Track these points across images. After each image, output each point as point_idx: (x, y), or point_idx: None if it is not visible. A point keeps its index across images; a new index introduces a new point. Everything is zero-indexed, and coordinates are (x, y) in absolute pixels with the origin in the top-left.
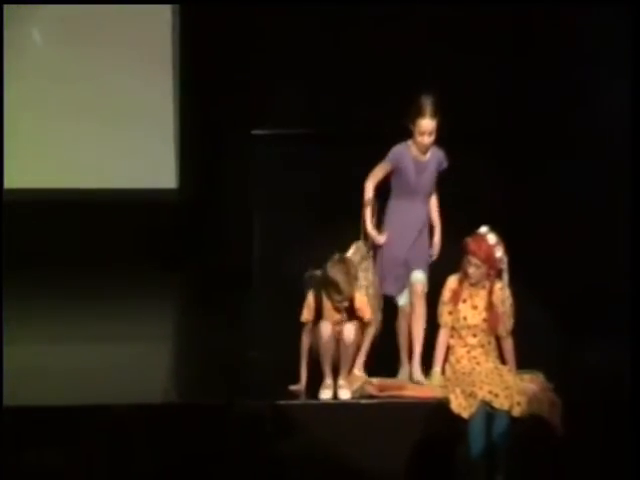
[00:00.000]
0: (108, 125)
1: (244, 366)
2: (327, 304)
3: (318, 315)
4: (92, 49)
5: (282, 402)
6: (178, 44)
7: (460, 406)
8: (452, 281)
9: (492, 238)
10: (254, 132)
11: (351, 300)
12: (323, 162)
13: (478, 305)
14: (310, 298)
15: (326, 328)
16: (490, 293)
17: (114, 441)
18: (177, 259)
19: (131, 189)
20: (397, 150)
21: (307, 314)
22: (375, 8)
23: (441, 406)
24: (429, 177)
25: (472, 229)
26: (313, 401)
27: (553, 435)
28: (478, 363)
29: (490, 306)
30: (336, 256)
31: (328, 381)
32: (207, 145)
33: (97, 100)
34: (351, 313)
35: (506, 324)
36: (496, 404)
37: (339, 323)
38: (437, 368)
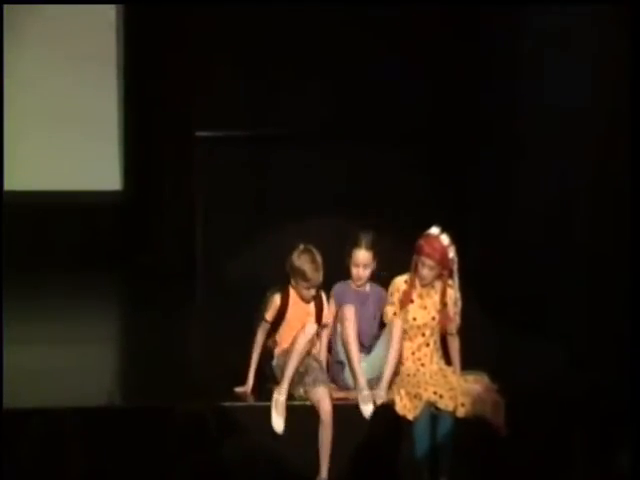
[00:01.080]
0: (51, 127)
1: (187, 368)
2: (293, 303)
3: (279, 318)
4: (33, 49)
5: (226, 404)
6: (122, 45)
7: (405, 408)
8: (400, 282)
9: (445, 239)
10: (197, 134)
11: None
12: (265, 163)
13: (427, 305)
14: (276, 298)
15: (311, 328)
16: (443, 293)
17: (53, 446)
18: (121, 260)
19: (74, 191)
20: (337, 287)
21: (270, 314)
22: (316, 7)
23: (386, 407)
24: (371, 310)
25: (415, 230)
26: (257, 403)
27: (496, 435)
28: (423, 364)
29: (442, 306)
30: (301, 246)
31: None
32: (151, 147)
33: (40, 102)
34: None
35: (456, 323)
36: (441, 405)
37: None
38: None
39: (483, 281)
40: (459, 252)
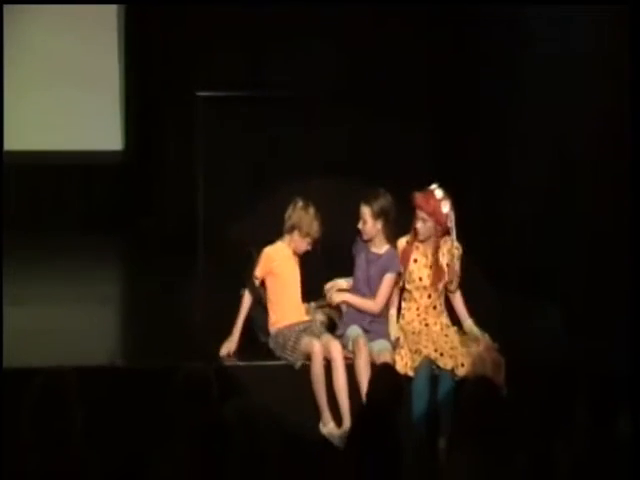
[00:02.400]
0: (52, 87)
1: (188, 328)
2: (285, 259)
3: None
4: (34, 9)
5: (228, 364)
6: (123, 5)
7: (406, 366)
8: (401, 242)
9: (439, 193)
10: (199, 94)
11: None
12: (267, 124)
13: (440, 257)
14: (268, 253)
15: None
16: (435, 249)
17: (54, 405)
18: (121, 220)
19: (76, 151)
20: (355, 242)
21: (260, 271)
22: None
23: (385, 367)
24: (374, 272)
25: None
26: (257, 362)
27: (497, 395)
28: (427, 325)
29: (435, 262)
30: (299, 201)
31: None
32: (152, 107)
33: (40, 61)
34: None
35: (453, 280)
36: (440, 363)
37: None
38: (393, 311)
39: (483, 245)
40: (459, 217)
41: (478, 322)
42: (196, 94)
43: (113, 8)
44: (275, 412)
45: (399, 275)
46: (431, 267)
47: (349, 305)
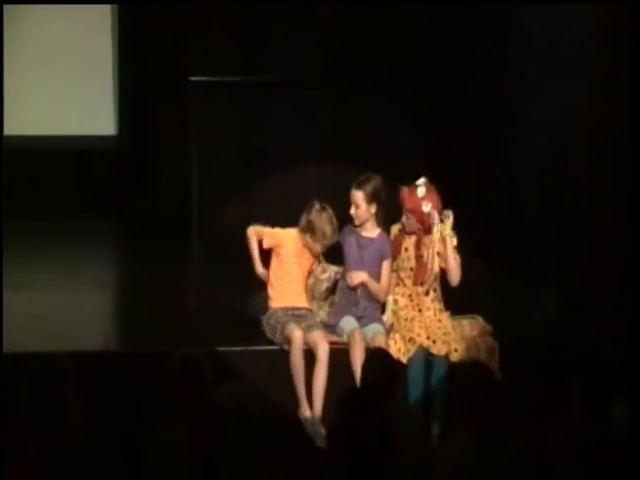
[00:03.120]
0: (46, 72)
1: (183, 314)
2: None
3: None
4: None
5: (222, 349)
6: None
7: (399, 351)
8: (394, 229)
9: (421, 191)
10: (192, 79)
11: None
12: (260, 109)
13: (424, 254)
14: (288, 232)
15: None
16: (417, 246)
17: (50, 390)
18: (116, 206)
19: (70, 136)
20: (344, 228)
21: (266, 242)
22: None
23: (380, 352)
24: (367, 257)
25: (407, 180)
26: (252, 347)
27: (490, 380)
28: (420, 310)
29: (417, 258)
30: (317, 205)
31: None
32: (145, 92)
33: (34, 47)
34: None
35: (454, 275)
36: (433, 350)
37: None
38: (391, 297)
39: (477, 227)
40: (452, 199)
41: (472, 306)
42: (189, 79)
43: None
44: (268, 397)
45: (393, 259)
46: (415, 263)
47: (366, 286)
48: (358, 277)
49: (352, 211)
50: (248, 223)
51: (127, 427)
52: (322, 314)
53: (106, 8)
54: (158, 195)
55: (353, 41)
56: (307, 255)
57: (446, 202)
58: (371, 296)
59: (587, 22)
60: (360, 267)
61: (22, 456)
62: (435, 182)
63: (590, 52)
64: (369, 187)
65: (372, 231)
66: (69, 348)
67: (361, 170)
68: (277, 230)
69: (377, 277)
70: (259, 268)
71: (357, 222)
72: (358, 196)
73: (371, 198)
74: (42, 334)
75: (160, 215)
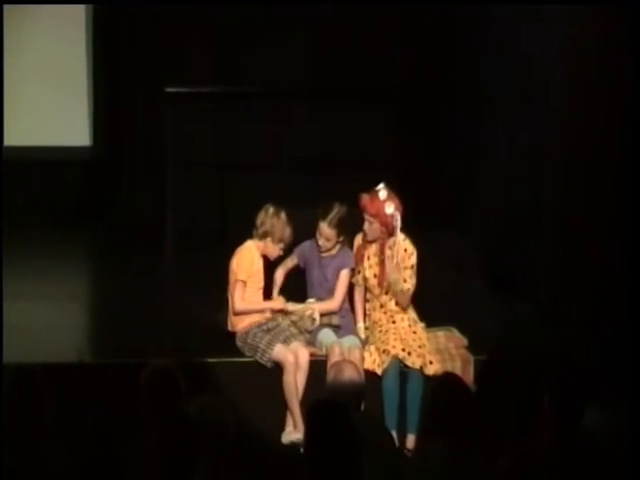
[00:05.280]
0: (21, 82)
1: (158, 325)
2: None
3: None
4: (4, 6)
5: (197, 360)
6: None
7: (374, 363)
8: (357, 239)
9: (383, 194)
10: (168, 90)
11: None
12: (235, 120)
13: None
14: (246, 257)
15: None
16: (381, 250)
17: (22, 402)
18: (90, 217)
19: (44, 147)
20: (305, 245)
21: (245, 274)
22: None
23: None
24: (329, 273)
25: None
26: (228, 359)
27: (466, 393)
28: (394, 322)
29: (380, 263)
30: (270, 208)
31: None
32: (120, 102)
33: (10, 57)
34: None
35: (397, 282)
36: (408, 362)
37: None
38: (360, 324)
39: (453, 238)
40: (432, 208)
41: (446, 317)
42: (165, 90)
43: (82, 5)
44: (242, 409)
45: (353, 271)
46: (378, 267)
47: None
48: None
49: (321, 243)
50: (223, 234)
51: (101, 439)
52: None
53: (81, 18)
54: (133, 206)
55: (330, 51)
56: (262, 261)
57: (423, 213)
58: (346, 309)
59: (579, 24)
60: (323, 284)
61: None
62: (413, 194)
63: (586, 55)
64: (336, 220)
65: (332, 250)
66: (42, 360)
67: (335, 181)
68: (243, 264)
69: (328, 288)
70: (278, 303)
71: (324, 251)
72: (330, 233)
73: (340, 231)
74: (15, 345)
75: (134, 226)
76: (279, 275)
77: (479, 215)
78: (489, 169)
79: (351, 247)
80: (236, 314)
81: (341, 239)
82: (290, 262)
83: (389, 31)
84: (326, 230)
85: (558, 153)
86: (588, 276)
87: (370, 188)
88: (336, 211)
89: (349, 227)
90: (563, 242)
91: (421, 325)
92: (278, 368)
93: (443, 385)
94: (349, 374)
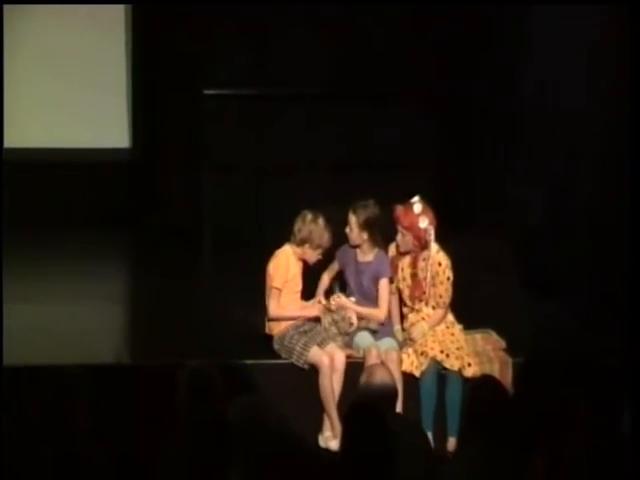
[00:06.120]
0: (60, 84)
1: (195, 326)
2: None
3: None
4: (44, 6)
5: (233, 362)
6: (131, 4)
7: (412, 365)
8: (392, 248)
9: (418, 207)
10: (205, 92)
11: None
12: (272, 121)
13: (419, 272)
14: (283, 264)
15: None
16: (413, 264)
17: (60, 403)
18: (128, 218)
19: (84, 149)
20: (341, 250)
21: (280, 282)
22: None
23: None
24: (366, 280)
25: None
26: (264, 361)
27: (504, 395)
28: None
29: (413, 276)
30: (308, 214)
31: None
32: (158, 105)
33: (50, 59)
34: None
35: (432, 297)
36: (446, 364)
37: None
38: (397, 326)
39: (491, 239)
40: (468, 210)
41: (485, 320)
42: (202, 92)
43: (121, 6)
44: (280, 411)
45: (391, 279)
46: (411, 280)
47: (352, 310)
48: (337, 302)
49: (347, 231)
50: (259, 235)
51: (138, 439)
52: (327, 319)
53: (120, 20)
54: (170, 207)
55: (364, 54)
56: (301, 265)
57: (459, 216)
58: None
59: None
60: (360, 289)
61: (30, 470)
62: (446, 197)
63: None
64: (362, 214)
65: (369, 254)
66: (81, 361)
67: (369, 184)
68: (279, 270)
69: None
70: (313, 311)
71: (351, 243)
72: (352, 220)
73: (363, 226)
74: (54, 346)
75: (172, 227)
76: (325, 280)
77: (516, 217)
78: (525, 170)
79: (385, 251)
80: (271, 320)
81: (365, 237)
82: (334, 267)
83: (420, 33)
84: (350, 217)
85: (594, 154)
86: (625, 278)
87: (406, 190)
88: (364, 204)
89: (376, 228)
90: (600, 244)
91: (459, 327)
92: (315, 370)
93: (481, 387)
94: (381, 378)
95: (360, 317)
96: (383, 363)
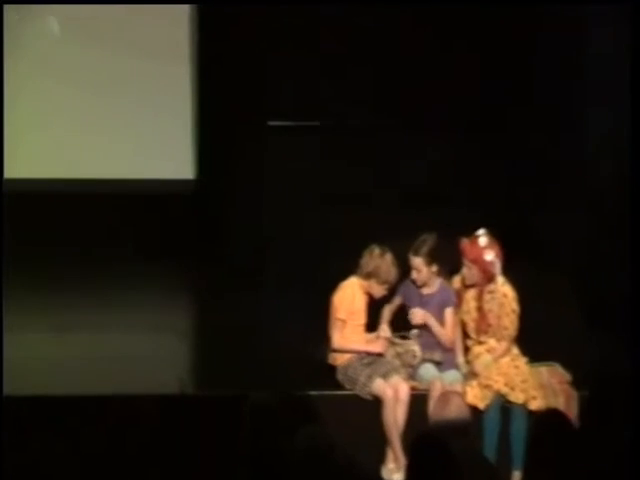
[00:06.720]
0: (125, 115)
1: (258, 357)
2: (359, 298)
3: None
4: (109, 37)
5: (298, 393)
6: (196, 33)
7: (476, 397)
8: (456, 281)
9: (483, 241)
10: (270, 123)
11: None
12: (336, 153)
13: (485, 305)
14: (349, 296)
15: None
16: (479, 297)
17: (127, 432)
18: (192, 250)
19: (147, 179)
20: (403, 284)
21: (344, 314)
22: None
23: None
24: (432, 311)
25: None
26: (329, 392)
27: (570, 428)
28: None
29: (478, 309)
30: (376, 249)
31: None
32: (224, 136)
33: (114, 89)
34: None
35: (498, 329)
36: (511, 397)
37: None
38: (461, 359)
39: (554, 274)
40: (534, 241)
41: (550, 353)
42: (267, 123)
43: (186, 36)
44: (343, 442)
45: (457, 308)
46: (477, 313)
47: (429, 325)
48: (418, 315)
49: (414, 275)
50: (324, 267)
51: (201, 470)
52: (390, 351)
53: (185, 49)
54: (233, 238)
55: (431, 87)
56: (366, 298)
57: (522, 249)
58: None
59: None
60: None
61: None
62: (509, 228)
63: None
64: (424, 250)
65: (432, 286)
66: (147, 391)
67: (434, 216)
68: (344, 302)
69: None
70: (376, 347)
71: (420, 283)
72: (416, 262)
73: (430, 260)
74: (118, 377)
75: (236, 258)
76: (385, 314)
77: (582, 250)
78: (591, 202)
79: (447, 281)
80: (335, 351)
81: (434, 269)
82: (396, 301)
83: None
84: (413, 260)
85: None
86: None
87: (472, 220)
88: (421, 240)
89: (442, 257)
90: None
91: (524, 360)
92: (378, 402)
93: (546, 421)
94: (456, 405)
95: (424, 348)
96: (455, 391)
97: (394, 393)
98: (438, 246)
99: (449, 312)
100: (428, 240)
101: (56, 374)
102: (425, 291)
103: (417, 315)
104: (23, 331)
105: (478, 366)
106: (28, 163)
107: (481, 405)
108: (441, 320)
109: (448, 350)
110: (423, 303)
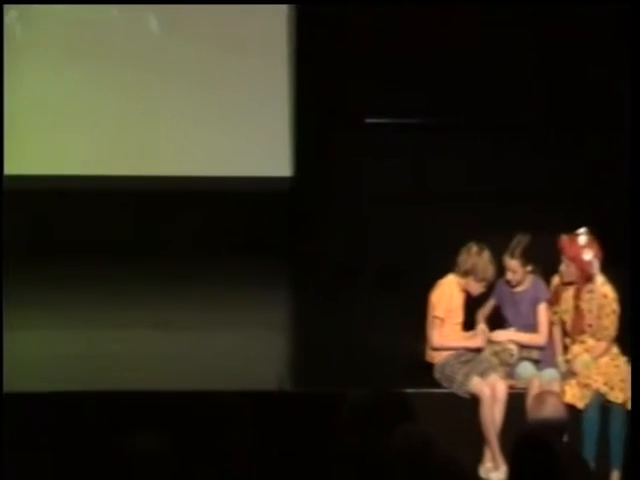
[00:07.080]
0: (224, 112)
1: (355, 354)
2: (457, 296)
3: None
4: (209, 35)
5: (395, 391)
6: (294, 31)
7: (575, 396)
8: (554, 279)
9: (583, 239)
10: (368, 121)
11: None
12: (434, 151)
13: (582, 304)
14: (447, 293)
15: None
16: (576, 296)
17: (221, 430)
18: (289, 247)
19: (245, 177)
20: (497, 283)
21: (442, 312)
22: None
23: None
24: (524, 310)
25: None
26: (425, 390)
27: None
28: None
29: (575, 308)
30: (474, 246)
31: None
32: (321, 133)
33: (213, 86)
34: None
35: (597, 330)
36: (611, 397)
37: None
38: (560, 357)
39: None
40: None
41: None
42: (365, 121)
43: (285, 32)
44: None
45: (549, 302)
46: (574, 312)
47: (515, 342)
48: (501, 336)
49: (509, 276)
50: (421, 265)
51: (298, 468)
52: (488, 350)
53: (283, 46)
54: (331, 236)
55: (530, 85)
56: (464, 296)
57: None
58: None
59: None
60: (518, 320)
61: None
62: (611, 229)
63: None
64: (519, 251)
65: (525, 283)
66: (243, 388)
67: (531, 214)
68: (442, 299)
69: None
70: (476, 342)
71: (514, 284)
72: (512, 264)
73: (525, 261)
74: (214, 373)
75: (333, 257)
76: (480, 317)
77: None
78: None
79: (546, 281)
80: (432, 349)
81: (529, 269)
82: (490, 303)
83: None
84: (509, 262)
85: None
86: None
87: (567, 218)
88: (516, 242)
89: (536, 256)
90: None
91: (624, 359)
92: (476, 400)
93: None
94: (552, 405)
95: (522, 346)
96: (550, 391)
97: (491, 391)
98: (531, 245)
99: (542, 308)
100: (522, 241)
101: (155, 370)
102: (517, 289)
103: (500, 336)
104: (127, 327)
105: (577, 365)
106: (117, 160)
107: (580, 404)
108: (534, 316)
109: (546, 348)
110: (515, 301)
